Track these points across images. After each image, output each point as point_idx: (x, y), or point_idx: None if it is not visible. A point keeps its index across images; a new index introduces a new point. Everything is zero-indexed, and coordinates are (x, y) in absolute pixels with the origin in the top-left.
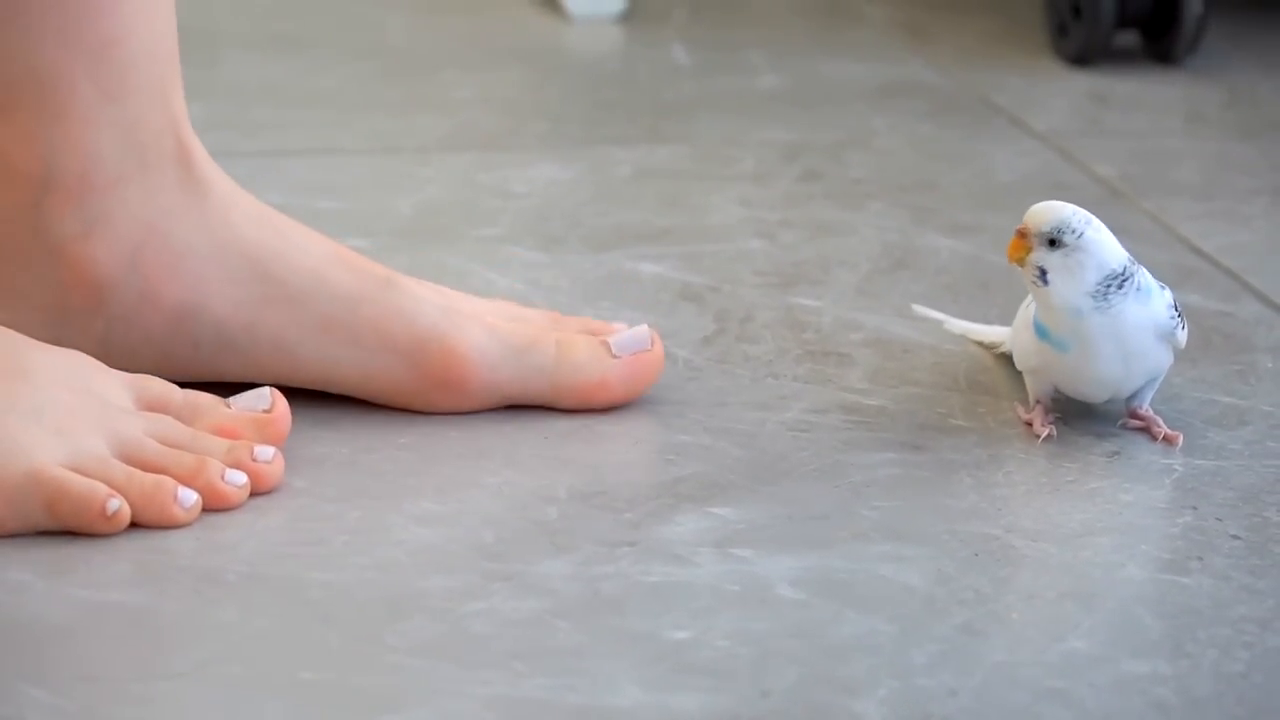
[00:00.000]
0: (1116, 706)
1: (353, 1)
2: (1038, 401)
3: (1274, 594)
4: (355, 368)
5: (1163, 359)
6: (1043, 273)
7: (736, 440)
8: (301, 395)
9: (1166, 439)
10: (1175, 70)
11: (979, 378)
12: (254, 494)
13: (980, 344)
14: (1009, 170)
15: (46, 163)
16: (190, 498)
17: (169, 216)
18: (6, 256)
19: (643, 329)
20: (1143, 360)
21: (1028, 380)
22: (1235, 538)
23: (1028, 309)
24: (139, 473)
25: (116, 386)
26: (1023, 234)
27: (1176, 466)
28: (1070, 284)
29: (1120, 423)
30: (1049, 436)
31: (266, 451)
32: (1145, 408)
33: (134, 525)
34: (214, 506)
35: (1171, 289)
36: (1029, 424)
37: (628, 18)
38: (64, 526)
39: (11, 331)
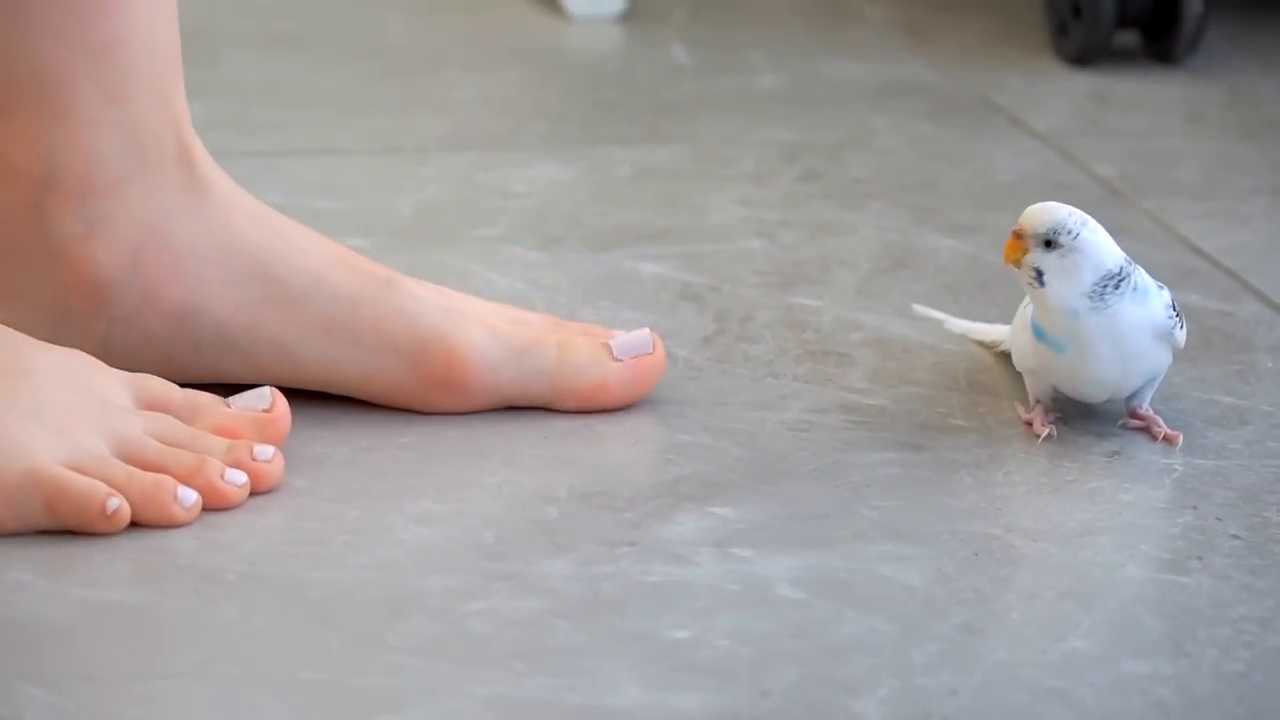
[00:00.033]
0: (1116, 706)
1: (353, 1)
2: (1038, 401)
3: (1274, 593)
4: (356, 368)
5: (1161, 359)
6: (1039, 274)
7: (736, 440)
8: (301, 395)
9: (1166, 439)
10: (1175, 70)
11: (979, 377)
12: (254, 493)
13: (980, 343)
14: (1009, 170)
15: (48, 163)
16: (190, 497)
17: (170, 218)
18: (7, 257)
19: (644, 332)
20: (1140, 360)
21: (1027, 380)
22: (1235, 537)
23: (1026, 309)
24: (139, 472)
25: (117, 385)
26: (1018, 235)
27: (1176, 466)
28: (1066, 285)
29: (1120, 422)
30: (1049, 436)
31: (266, 451)
32: (1145, 407)
33: (134, 524)
34: (214, 506)
35: (1171, 289)
36: (1029, 424)
37: (628, 18)
38: (64, 525)
39: (12, 330)
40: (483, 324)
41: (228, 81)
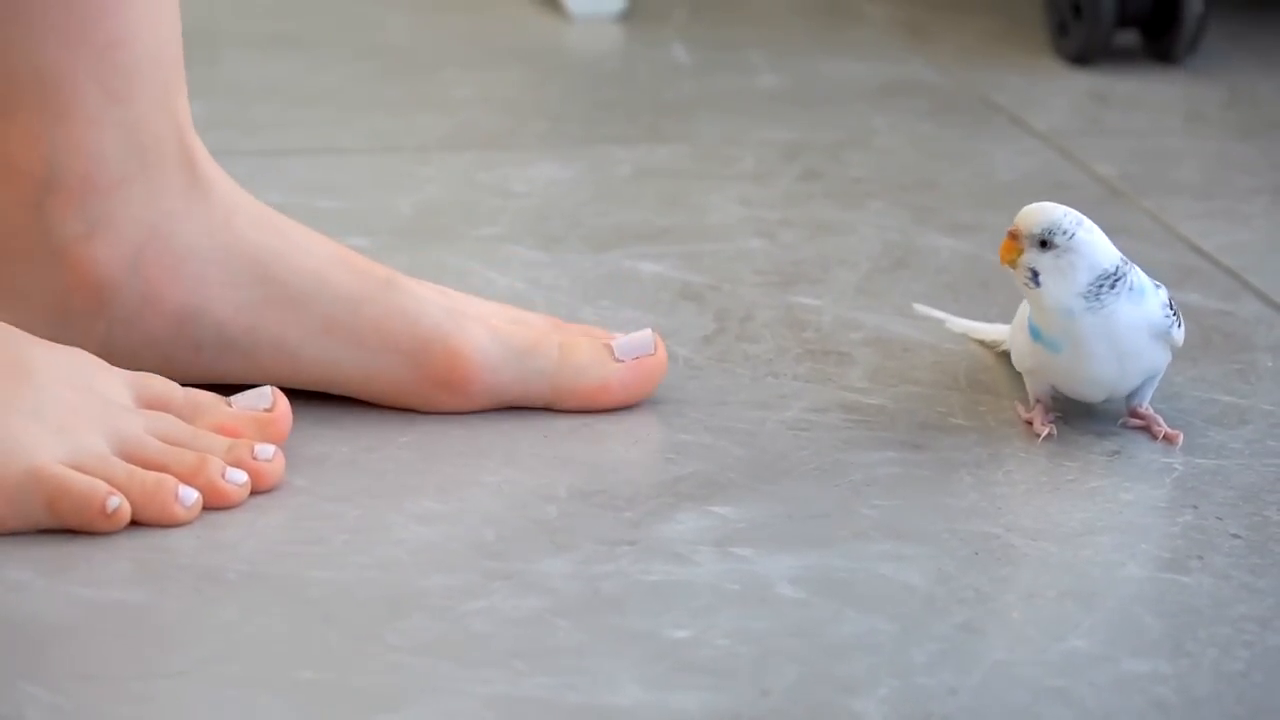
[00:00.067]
0: (1116, 705)
1: (353, 1)
2: (1037, 401)
3: (1274, 593)
4: (357, 369)
5: (1158, 358)
6: (1034, 274)
7: (737, 439)
8: (302, 394)
9: (1167, 438)
10: (1175, 70)
11: (979, 376)
12: (255, 492)
13: (981, 342)
14: (1009, 169)
15: (49, 163)
16: (191, 496)
17: (171, 218)
18: (8, 257)
19: (646, 333)
20: (1137, 360)
21: (1026, 380)
22: (1235, 536)
23: (1025, 309)
24: (140, 471)
25: (118, 384)
26: (1014, 236)
27: (1177, 465)
28: (1062, 285)
29: (1120, 422)
30: (1049, 435)
31: (267, 450)
32: (1145, 406)
33: (134, 523)
34: (214, 505)
35: (1171, 288)
36: (1029, 423)
37: (628, 17)
38: (64, 524)
39: (13, 329)
40: (484, 324)
41: (228, 81)
